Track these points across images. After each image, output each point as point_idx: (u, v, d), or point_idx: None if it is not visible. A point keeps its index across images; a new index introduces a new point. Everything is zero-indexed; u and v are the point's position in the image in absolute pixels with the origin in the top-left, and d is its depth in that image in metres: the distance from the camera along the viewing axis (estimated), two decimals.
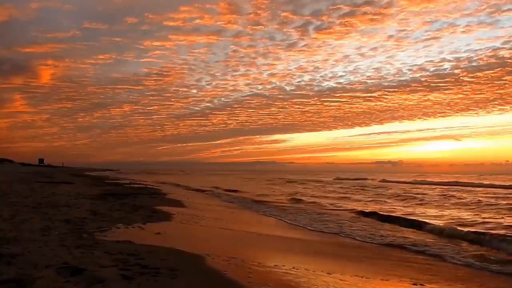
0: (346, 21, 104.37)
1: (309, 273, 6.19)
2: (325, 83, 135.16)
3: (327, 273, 6.34)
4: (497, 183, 47.09)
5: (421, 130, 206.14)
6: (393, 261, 8.26)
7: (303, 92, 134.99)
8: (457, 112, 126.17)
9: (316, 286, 5.40)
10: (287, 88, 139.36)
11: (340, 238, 11.20)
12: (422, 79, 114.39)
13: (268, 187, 39.57)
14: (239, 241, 9.50)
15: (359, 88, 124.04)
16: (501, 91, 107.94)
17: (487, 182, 48.63)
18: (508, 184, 42.89)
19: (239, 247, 8.52)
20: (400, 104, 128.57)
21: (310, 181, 56.60)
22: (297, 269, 6.36)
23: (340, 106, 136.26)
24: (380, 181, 57.97)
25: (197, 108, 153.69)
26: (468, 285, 6.67)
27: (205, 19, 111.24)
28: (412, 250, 9.50)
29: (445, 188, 37.10)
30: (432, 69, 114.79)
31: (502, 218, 15.18)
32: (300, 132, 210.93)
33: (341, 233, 11.91)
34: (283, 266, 6.41)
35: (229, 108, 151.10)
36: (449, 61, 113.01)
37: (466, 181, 52.64)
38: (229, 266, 5.93)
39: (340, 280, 6.02)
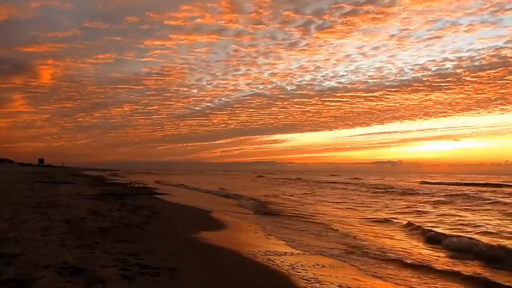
0: (348, 20, 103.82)
1: None
2: (326, 83, 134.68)
3: None
4: None
5: (422, 130, 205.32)
6: None
7: (304, 91, 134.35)
8: (459, 112, 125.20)
9: None
10: (288, 87, 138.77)
11: None
12: (424, 79, 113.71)
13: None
14: None
15: (361, 87, 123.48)
16: (503, 91, 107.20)
17: None
18: None
19: None
20: (401, 104, 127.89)
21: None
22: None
23: (341, 106, 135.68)
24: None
25: (198, 108, 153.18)
26: None
27: (206, 18, 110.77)
28: None
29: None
30: (434, 68, 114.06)
31: None
32: (301, 132, 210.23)
33: None
34: None
35: (229, 108, 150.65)
36: (451, 60, 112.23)
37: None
38: None
39: None
